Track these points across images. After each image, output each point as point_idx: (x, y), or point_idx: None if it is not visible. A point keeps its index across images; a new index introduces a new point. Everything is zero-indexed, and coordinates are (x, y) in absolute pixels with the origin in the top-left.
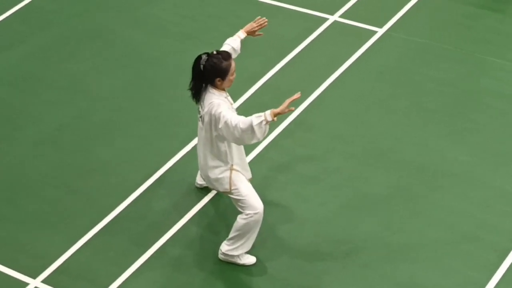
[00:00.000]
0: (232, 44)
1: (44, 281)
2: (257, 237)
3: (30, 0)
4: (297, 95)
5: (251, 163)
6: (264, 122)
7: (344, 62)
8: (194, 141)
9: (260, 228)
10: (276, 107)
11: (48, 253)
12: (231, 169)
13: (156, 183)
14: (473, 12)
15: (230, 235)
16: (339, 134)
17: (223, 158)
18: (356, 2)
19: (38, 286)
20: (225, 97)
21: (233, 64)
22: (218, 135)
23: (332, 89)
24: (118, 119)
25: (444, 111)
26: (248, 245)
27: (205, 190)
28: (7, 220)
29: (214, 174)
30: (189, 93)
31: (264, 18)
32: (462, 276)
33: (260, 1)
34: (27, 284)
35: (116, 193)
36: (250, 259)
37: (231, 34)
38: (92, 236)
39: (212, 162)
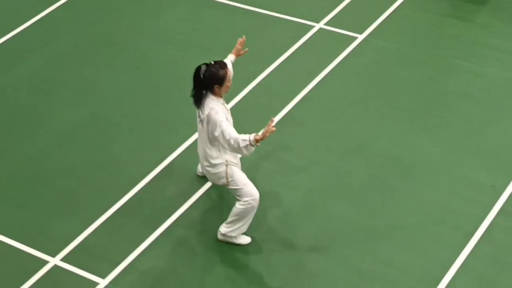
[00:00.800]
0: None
1: (63, 259)
2: (252, 220)
3: (49, 10)
4: (272, 125)
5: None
6: (249, 145)
7: (328, 65)
8: (194, 136)
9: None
10: (269, 105)
11: (65, 235)
12: (227, 164)
13: (162, 173)
14: (441, 21)
15: (229, 219)
16: (323, 129)
17: (219, 155)
18: (339, 11)
19: (57, 263)
20: (222, 103)
21: (229, 72)
22: (214, 137)
23: (317, 89)
24: (127, 118)
25: (415, 109)
26: (245, 228)
27: (206, 178)
28: (28, 206)
29: (212, 170)
30: (188, 96)
31: (244, 36)
32: (433, 255)
33: (254, 11)
34: (47, 262)
35: (126, 182)
36: (246, 239)
37: (229, 41)
38: (105, 220)
39: (210, 160)
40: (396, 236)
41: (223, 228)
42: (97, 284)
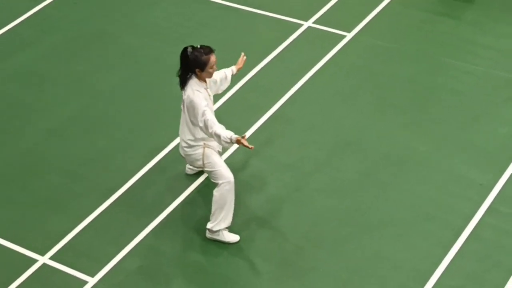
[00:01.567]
0: (226, 72)
1: (52, 258)
2: (240, 218)
3: (40, 7)
4: (244, 142)
5: (232, 153)
6: (228, 141)
7: (317, 63)
8: None
9: (243, 210)
10: (258, 103)
11: (55, 233)
12: (204, 146)
13: (152, 170)
14: (431, 18)
15: (211, 212)
16: (312, 126)
17: (197, 137)
18: (328, 9)
19: (46, 262)
20: (205, 88)
21: (212, 58)
22: (194, 121)
23: (307, 86)
24: (118, 113)
25: (405, 106)
26: (228, 219)
27: (195, 175)
28: (17, 202)
29: (190, 151)
30: (177, 91)
31: (244, 55)
32: (422, 251)
33: (243, 9)
34: (36, 260)
35: (116, 179)
36: (234, 238)
37: (218, 37)
38: (95, 218)
39: (188, 141)
40: (386, 233)
41: (209, 224)
42: (86, 282)
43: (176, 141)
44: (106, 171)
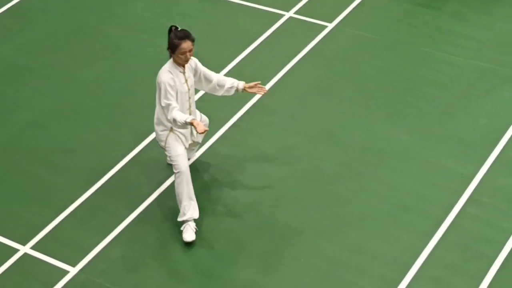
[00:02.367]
0: (231, 82)
1: (34, 247)
2: (221, 208)
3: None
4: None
5: (214, 144)
6: (183, 122)
7: (299, 53)
8: None
9: (224, 200)
10: (239, 93)
11: (36, 223)
12: (170, 131)
13: (133, 161)
14: (412, 9)
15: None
16: (294, 117)
17: (165, 120)
18: (309, 0)
19: (28, 251)
20: (180, 72)
21: (183, 45)
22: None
23: (288, 77)
24: (99, 105)
25: (386, 97)
26: (188, 211)
27: None
28: None
29: (157, 128)
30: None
31: (264, 88)
32: (403, 242)
33: (225, 0)
34: (17, 250)
35: (97, 170)
36: (188, 236)
37: (201, 29)
38: (76, 208)
39: (158, 120)
40: (367, 223)
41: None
42: (67, 272)
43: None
44: (87, 162)
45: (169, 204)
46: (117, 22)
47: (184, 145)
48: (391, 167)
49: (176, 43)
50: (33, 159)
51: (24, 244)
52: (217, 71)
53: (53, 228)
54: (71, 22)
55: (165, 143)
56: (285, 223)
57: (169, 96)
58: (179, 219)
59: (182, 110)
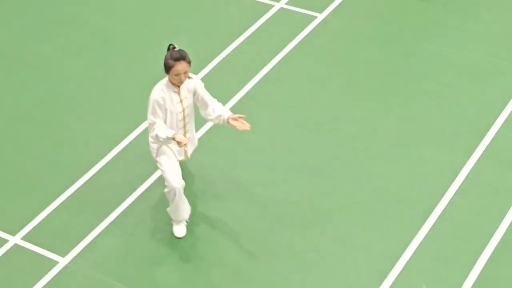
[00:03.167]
0: (218, 111)
1: (23, 238)
2: (211, 199)
3: None
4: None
5: (204, 136)
6: (165, 138)
7: (288, 44)
8: None
9: (214, 191)
10: (229, 84)
11: (26, 214)
12: (162, 144)
13: (122, 152)
14: (401, 1)
15: None
16: (283, 108)
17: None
18: None
19: (17, 242)
20: (174, 91)
21: (178, 67)
22: None
23: (278, 68)
24: (86, 96)
25: (375, 88)
26: (177, 216)
27: None
28: None
29: (150, 139)
30: (147, 73)
31: (247, 125)
32: (392, 233)
33: None
34: (7, 240)
35: (85, 161)
36: (177, 232)
37: (190, 22)
38: (65, 199)
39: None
40: (355, 214)
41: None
42: (57, 263)
43: (144, 125)
44: (74, 154)
45: (160, 194)
46: (105, 12)
47: (177, 157)
48: (380, 158)
49: (170, 64)
50: (21, 151)
51: (13, 234)
52: (205, 63)
53: (43, 219)
54: (58, 13)
55: (156, 155)
56: (273, 213)
57: (155, 114)
58: (171, 215)
59: (174, 130)
